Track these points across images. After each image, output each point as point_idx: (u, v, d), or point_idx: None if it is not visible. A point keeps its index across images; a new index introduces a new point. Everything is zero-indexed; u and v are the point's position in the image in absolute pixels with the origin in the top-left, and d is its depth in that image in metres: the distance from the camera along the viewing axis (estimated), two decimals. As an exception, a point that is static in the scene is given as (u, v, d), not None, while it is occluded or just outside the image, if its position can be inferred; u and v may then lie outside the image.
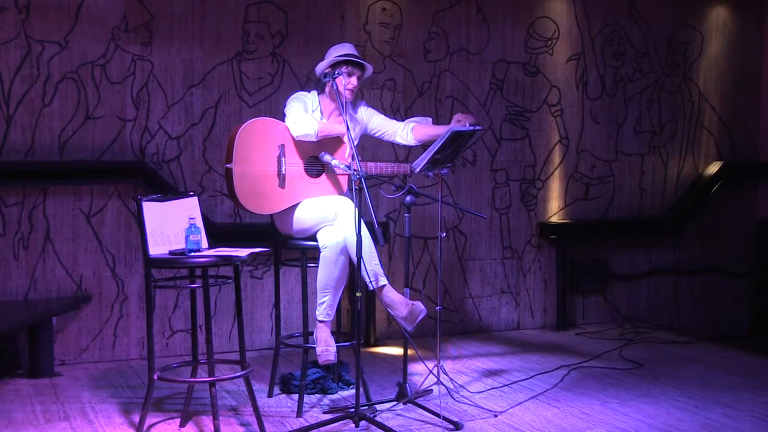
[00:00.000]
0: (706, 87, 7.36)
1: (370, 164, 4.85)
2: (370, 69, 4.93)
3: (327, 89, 4.92)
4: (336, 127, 4.81)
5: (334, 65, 4.83)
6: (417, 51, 6.43)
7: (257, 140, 4.70)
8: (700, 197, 7.25)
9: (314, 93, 4.97)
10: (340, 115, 4.86)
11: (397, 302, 4.60)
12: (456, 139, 4.65)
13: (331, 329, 4.72)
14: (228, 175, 4.67)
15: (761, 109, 7.52)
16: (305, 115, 4.77)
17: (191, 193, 4.56)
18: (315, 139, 4.73)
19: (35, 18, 5.52)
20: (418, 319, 4.59)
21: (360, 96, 6.17)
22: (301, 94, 4.94)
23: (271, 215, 4.85)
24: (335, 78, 4.74)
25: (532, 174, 6.81)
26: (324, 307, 4.67)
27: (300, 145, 4.78)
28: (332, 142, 4.84)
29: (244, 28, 5.98)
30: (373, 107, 5.13)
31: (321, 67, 4.88)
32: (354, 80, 4.84)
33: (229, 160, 4.66)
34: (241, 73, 5.98)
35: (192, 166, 5.91)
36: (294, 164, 4.77)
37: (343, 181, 4.86)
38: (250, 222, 5.94)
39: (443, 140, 4.59)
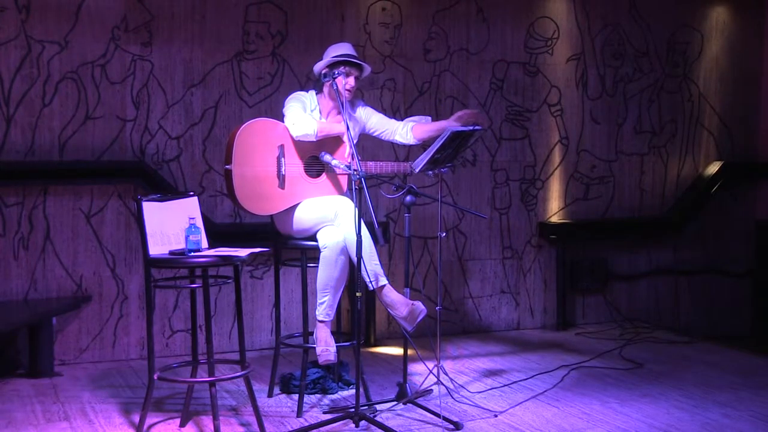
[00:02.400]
0: (706, 87, 7.36)
1: (370, 163, 4.85)
2: (368, 69, 4.93)
3: (325, 89, 4.92)
4: (335, 126, 4.80)
5: (332, 65, 4.83)
6: (417, 51, 6.43)
7: (256, 141, 4.70)
8: (700, 197, 7.24)
9: (312, 93, 4.96)
10: (339, 114, 4.87)
11: (397, 302, 4.60)
12: (456, 139, 4.65)
13: (331, 329, 4.72)
14: (227, 176, 4.67)
15: (761, 109, 7.52)
16: (304, 115, 4.77)
17: (191, 193, 4.56)
18: (315, 139, 4.73)
19: (35, 18, 5.52)
20: (418, 320, 4.59)
21: (359, 96, 6.17)
22: (299, 94, 4.94)
23: (271, 216, 4.85)
24: (335, 78, 4.73)
25: (532, 174, 6.81)
26: (324, 307, 4.67)
27: (299, 145, 4.78)
28: (332, 142, 4.84)
29: (244, 28, 5.98)
30: (372, 106, 5.12)
31: (319, 67, 4.88)
32: (352, 80, 4.84)
33: (228, 161, 4.66)
34: (241, 73, 5.98)
35: (192, 166, 5.91)
36: (294, 164, 4.77)
37: (343, 181, 4.86)
38: (250, 222, 5.93)
39: (443, 140, 4.59)
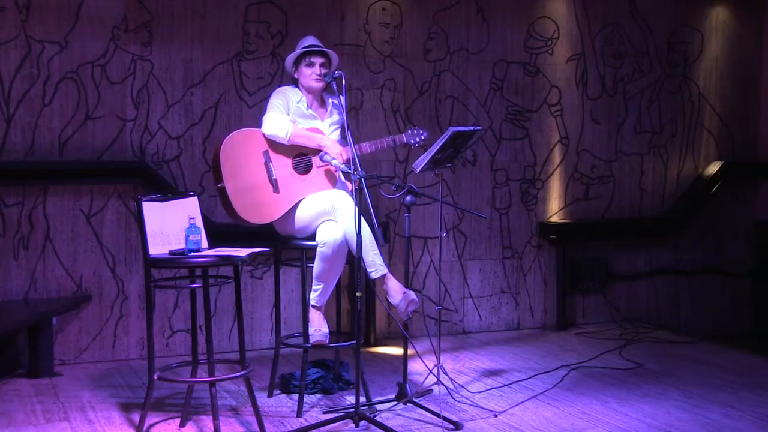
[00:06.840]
0: (706, 87, 7.36)
1: (364, 144, 4.87)
2: (332, 54, 4.95)
3: (301, 83, 4.95)
4: (316, 137, 4.79)
5: (298, 59, 4.90)
6: (417, 51, 6.43)
7: (241, 153, 4.72)
8: (700, 197, 7.24)
9: (296, 88, 5.00)
10: (320, 107, 4.96)
11: (393, 289, 4.63)
12: (456, 139, 4.65)
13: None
14: (222, 194, 4.68)
15: (761, 109, 7.52)
16: (283, 116, 4.79)
17: (191, 193, 4.56)
18: (286, 143, 4.74)
19: (35, 18, 5.52)
20: (409, 309, 4.61)
21: (360, 99, 6.19)
22: (284, 89, 4.98)
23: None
24: (335, 78, 4.76)
25: (532, 174, 6.81)
26: (317, 294, 4.76)
27: (282, 146, 4.79)
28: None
29: (244, 28, 5.98)
30: (345, 118, 4.91)
31: (288, 66, 4.99)
32: (317, 69, 4.87)
33: (218, 180, 4.67)
34: (241, 73, 5.98)
35: (192, 166, 5.91)
36: (282, 167, 4.78)
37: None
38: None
39: (443, 140, 4.60)
